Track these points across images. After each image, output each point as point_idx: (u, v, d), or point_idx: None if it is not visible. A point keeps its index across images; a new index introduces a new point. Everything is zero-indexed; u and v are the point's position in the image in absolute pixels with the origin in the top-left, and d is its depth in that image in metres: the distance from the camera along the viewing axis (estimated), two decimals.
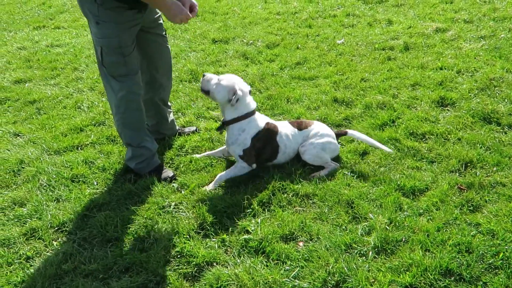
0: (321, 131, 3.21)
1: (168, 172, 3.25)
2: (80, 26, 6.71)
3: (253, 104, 3.15)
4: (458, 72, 4.36)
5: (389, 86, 4.22)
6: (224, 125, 3.17)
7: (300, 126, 3.25)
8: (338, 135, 3.30)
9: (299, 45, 5.40)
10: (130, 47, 3.02)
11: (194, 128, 3.76)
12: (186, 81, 4.67)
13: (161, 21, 3.33)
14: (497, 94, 3.90)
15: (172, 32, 6.22)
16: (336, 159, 3.24)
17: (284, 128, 3.21)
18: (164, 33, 3.35)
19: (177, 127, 3.74)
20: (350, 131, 3.28)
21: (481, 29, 5.31)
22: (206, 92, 3.15)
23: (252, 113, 3.13)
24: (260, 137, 3.12)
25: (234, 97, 3.01)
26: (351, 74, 4.54)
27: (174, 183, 3.13)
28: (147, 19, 3.13)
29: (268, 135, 3.15)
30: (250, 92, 3.17)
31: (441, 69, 4.47)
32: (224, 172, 3.14)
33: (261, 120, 3.17)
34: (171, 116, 3.67)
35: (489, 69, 4.32)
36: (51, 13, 7.42)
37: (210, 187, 3.05)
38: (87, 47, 5.80)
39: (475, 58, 4.62)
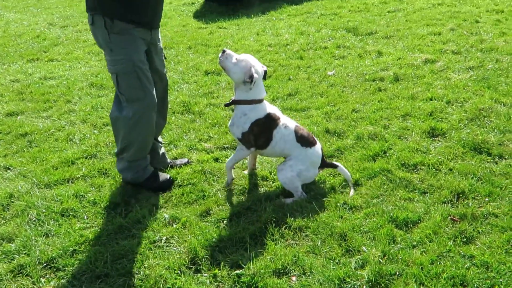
0: (308, 157, 3.19)
1: (164, 175, 3.42)
2: (74, 59, 6.76)
3: (263, 93, 3.21)
4: (447, 103, 4.41)
5: (380, 117, 4.25)
6: (232, 103, 3.24)
7: (299, 138, 3.21)
8: (326, 165, 3.32)
9: (291, 77, 5.46)
10: (144, 67, 3.16)
11: (186, 160, 3.76)
12: (178, 113, 4.69)
13: (163, 57, 3.48)
14: (487, 124, 3.94)
15: (165, 64, 6.26)
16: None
17: (286, 127, 3.21)
18: (164, 69, 3.49)
19: (169, 160, 3.74)
20: (340, 167, 3.30)
21: (469, 60, 5.41)
22: (223, 68, 3.20)
23: (259, 101, 3.18)
24: (259, 124, 3.17)
25: (249, 80, 3.06)
26: (342, 105, 4.58)
27: (165, 214, 3.11)
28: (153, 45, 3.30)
29: (268, 123, 3.19)
30: (265, 72, 3.24)
31: (431, 99, 4.52)
32: (229, 159, 3.34)
33: (266, 108, 3.21)
34: (162, 150, 3.70)
35: (478, 100, 4.38)
36: (45, 46, 7.48)
37: (227, 181, 3.36)
38: (80, 79, 5.83)
39: (464, 88, 4.69)
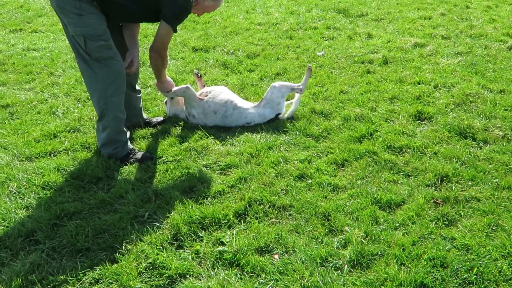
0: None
1: (145, 153, 3.45)
2: (58, 31, 6.59)
3: None
4: (435, 87, 4.41)
5: (368, 99, 4.24)
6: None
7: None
8: None
9: (280, 56, 5.40)
10: (109, 34, 3.22)
11: (162, 118, 3.90)
12: None
13: None
14: (473, 110, 3.96)
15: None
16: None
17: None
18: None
19: (145, 116, 3.87)
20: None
21: (458, 46, 5.40)
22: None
23: None
24: None
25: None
26: (330, 86, 4.55)
27: (149, 189, 3.08)
28: None
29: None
30: None
31: (419, 83, 4.52)
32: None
33: None
34: (140, 104, 3.82)
35: (466, 85, 4.39)
36: (28, 17, 7.29)
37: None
38: (64, 52, 5.70)
39: (452, 73, 4.69)
